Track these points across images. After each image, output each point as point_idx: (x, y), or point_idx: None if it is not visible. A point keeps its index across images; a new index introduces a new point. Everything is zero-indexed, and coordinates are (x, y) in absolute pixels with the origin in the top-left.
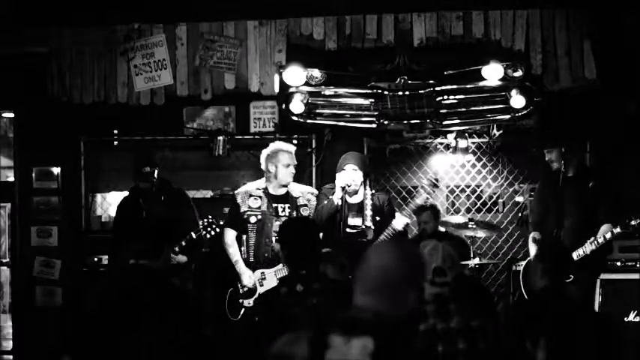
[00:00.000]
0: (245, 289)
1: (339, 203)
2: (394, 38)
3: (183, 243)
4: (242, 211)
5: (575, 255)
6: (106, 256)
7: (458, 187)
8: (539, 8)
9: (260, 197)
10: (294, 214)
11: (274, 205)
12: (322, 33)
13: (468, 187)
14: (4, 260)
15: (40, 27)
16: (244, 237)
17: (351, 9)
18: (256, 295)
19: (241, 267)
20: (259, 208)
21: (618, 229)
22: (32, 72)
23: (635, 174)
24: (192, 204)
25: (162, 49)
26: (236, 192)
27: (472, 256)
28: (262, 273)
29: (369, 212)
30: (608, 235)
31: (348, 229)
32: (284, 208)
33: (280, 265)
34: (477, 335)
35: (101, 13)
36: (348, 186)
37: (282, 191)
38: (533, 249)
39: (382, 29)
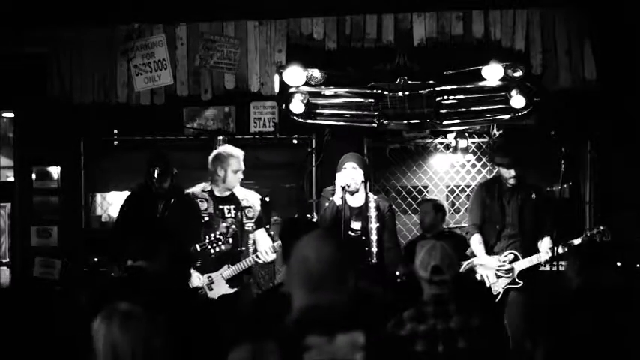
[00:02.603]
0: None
1: (340, 203)
2: (394, 38)
3: None
4: None
5: (525, 262)
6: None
7: (458, 187)
8: (539, 8)
9: (206, 200)
10: (239, 215)
11: (220, 206)
12: (322, 33)
13: (468, 187)
14: (4, 260)
15: (40, 27)
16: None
17: (351, 9)
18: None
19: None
20: (206, 210)
21: (579, 241)
22: (32, 72)
23: (635, 174)
24: (201, 216)
25: (162, 49)
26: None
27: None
28: (209, 277)
29: (373, 214)
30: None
31: (350, 232)
32: (229, 210)
33: (225, 266)
34: (477, 334)
35: (101, 13)
36: (348, 186)
37: (227, 193)
38: (481, 249)
39: (382, 29)
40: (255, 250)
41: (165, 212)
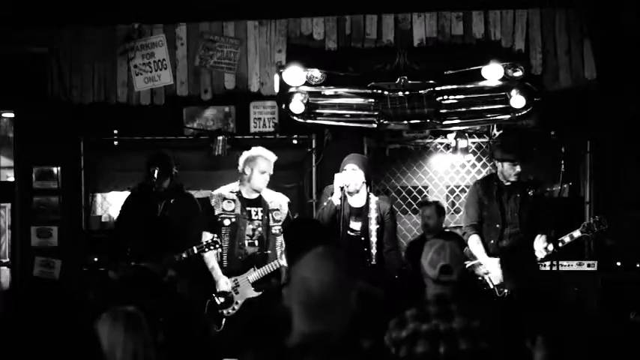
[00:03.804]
0: (222, 299)
1: (339, 203)
2: (394, 38)
3: (184, 255)
4: (216, 214)
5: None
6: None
7: (458, 187)
8: (539, 8)
9: (233, 200)
10: (267, 217)
11: (247, 208)
12: (322, 33)
13: (468, 187)
14: (4, 260)
15: (40, 27)
16: (211, 247)
17: (351, 9)
18: (234, 304)
19: (217, 273)
20: (233, 211)
21: (578, 233)
22: (32, 72)
23: (635, 174)
24: (201, 212)
25: (162, 49)
26: (210, 195)
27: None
28: (235, 280)
29: (373, 215)
30: (567, 240)
31: (349, 232)
32: (257, 212)
33: (251, 269)
34: (478, 335)
35: (101, 13)
36: (347, 186)
37: (255, 195)
38: (481, 251)
39: (382, 29)
40: (282, 254)
41: (165, 212)
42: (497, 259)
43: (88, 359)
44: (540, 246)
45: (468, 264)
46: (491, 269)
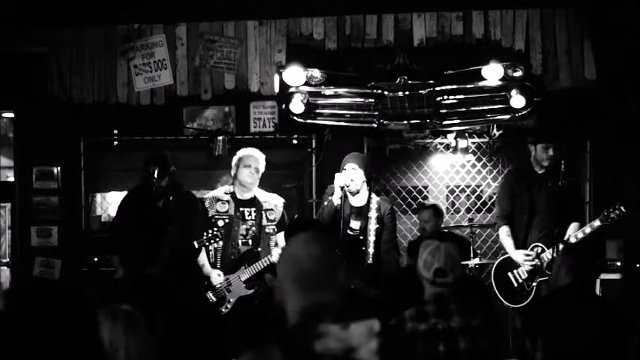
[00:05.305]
0: (214, 297)
1: (339, 203)
2: (394, 38)
3: (197, 245)
4: (210, 215)
5: (549, 252)
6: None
7: (458, 187)
8: (539, 8)
9: (227, 202)
10: (259, 216)
11: (241, 209)
12: (322, 33)
13: (468, 187)
14: (4, 260)
15: (40, 27)
16: (212, 241)
17: (351, 9)
18: (227, 303)
19: (207, 268)
20: (227, 212)
21: (598, 222)
22: (32, 72)
23: (635, 174)
24: (202, 209)
25: (162, 49)
26: (204, 197)
27: (472, 255)
28: (227, 279)
29: (373, 215)
30: (588, 230)
31: (348, 231)
32: (250, 212)
33: (242, 268)
34: (477, 334)
35: (101, 13)
36: (347, 186)
37: (249, 195)
38: (509, 243)
39: (382, 29)
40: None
41: (165, 210)
42: (524, 251)
43: (88, 359)
44: (574, 230)
45: (499, 259)
46: (518, 262)
